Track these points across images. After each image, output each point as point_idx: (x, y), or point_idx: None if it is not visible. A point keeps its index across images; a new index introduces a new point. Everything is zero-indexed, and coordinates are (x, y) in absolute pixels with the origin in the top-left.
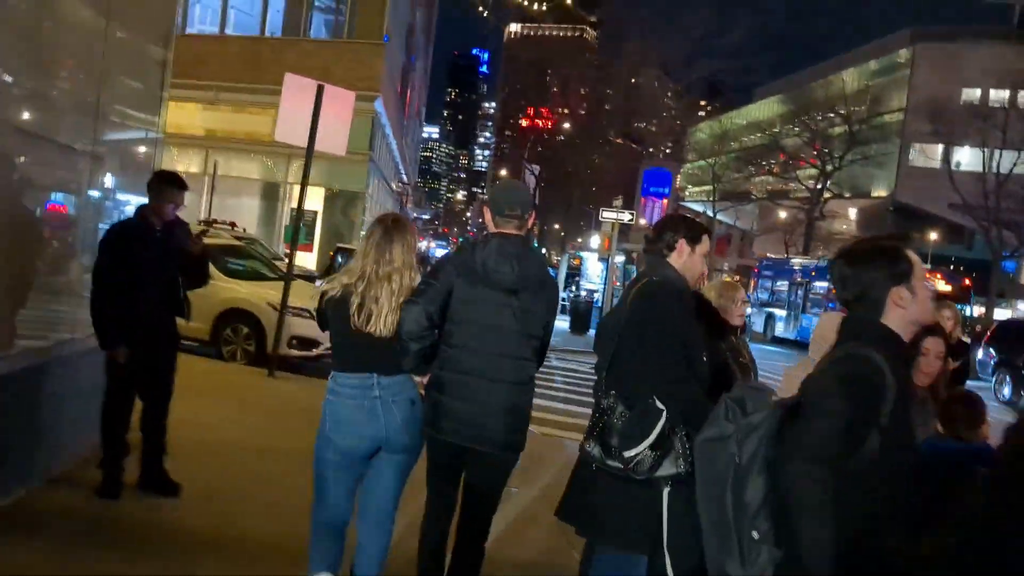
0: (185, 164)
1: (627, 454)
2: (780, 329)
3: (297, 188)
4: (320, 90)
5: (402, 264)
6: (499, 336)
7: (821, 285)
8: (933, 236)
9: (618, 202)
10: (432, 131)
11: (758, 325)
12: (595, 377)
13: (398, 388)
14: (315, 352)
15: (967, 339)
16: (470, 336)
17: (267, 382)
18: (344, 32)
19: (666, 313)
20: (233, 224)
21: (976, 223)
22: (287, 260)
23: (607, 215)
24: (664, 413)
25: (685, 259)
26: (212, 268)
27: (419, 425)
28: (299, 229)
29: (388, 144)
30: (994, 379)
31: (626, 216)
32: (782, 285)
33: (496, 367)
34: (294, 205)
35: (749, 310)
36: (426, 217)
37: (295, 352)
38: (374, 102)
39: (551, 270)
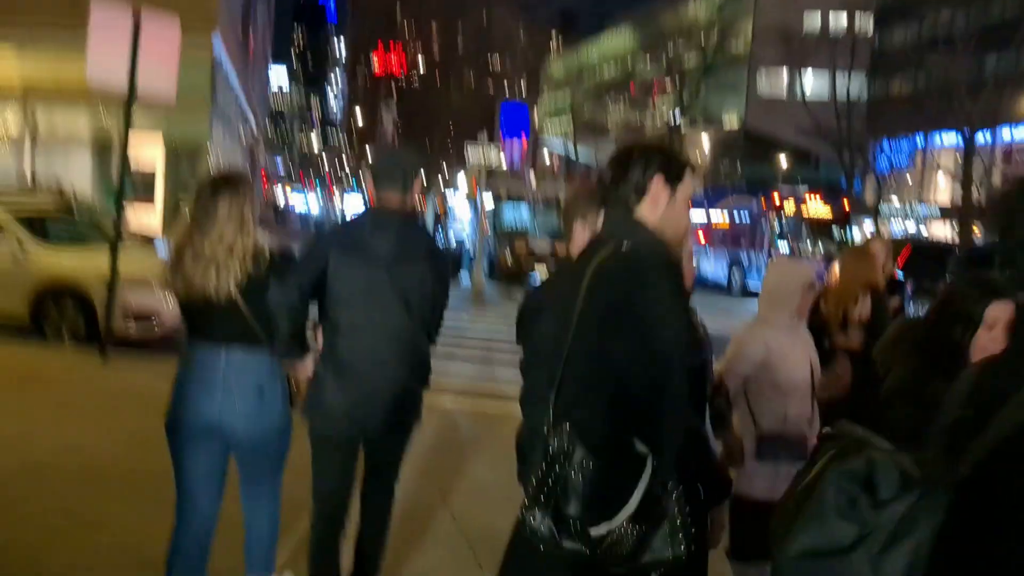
0: (1, 120)
1: (595, 531)
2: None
3: (134, 143)
4: (137, 19)
5: (227, 219)
6: (382, 313)
7: (698, 218)
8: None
9: (483, 135)
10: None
11: None
12: (518, 396)
13: (247, 367)
14: (157, 329)
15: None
16: (350, 315)
17: (98, 368)
18: None
19: (654, 300)
20: (60, 187)
21: (830, 147)
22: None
23: (473, 152)
24: (649, 460)
25: (664, 208)
26: (28, 236)
27: (269, 415)
28: (123, 185)
29: (231, 89)
30: (913, 309)
31: (493, 153)
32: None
33: (381, 346)
34: (132, 165)
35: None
36: (279, 164)
37: (132, 329)
38: (211, 37)
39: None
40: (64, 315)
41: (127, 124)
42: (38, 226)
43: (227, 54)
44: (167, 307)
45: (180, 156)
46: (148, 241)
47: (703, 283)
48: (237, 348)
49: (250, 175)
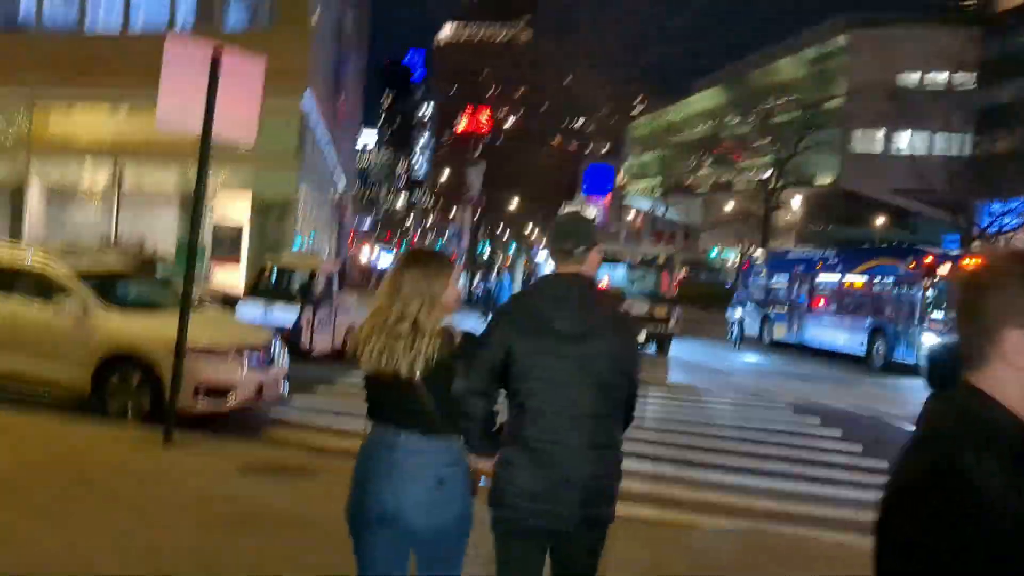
0: (91, 178)
1: None
2: (781, 333)
3: (221, 198)
4: (216, 56)
5: (425, 300)
6: (570, 393)
7: (829, 280)
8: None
9: (580, 198)
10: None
11: (752, 328)
12: None
13: (427, 457)
14: (230, 403)
15: None
16: (537, 397)
17: (159, 455)
18: (265, 21)
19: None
20: (141, 243)
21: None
22: (204, 281)
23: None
24: None
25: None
26: (92, 297)
27: (448, 508)
28: (195, 245)
29: (320, 147)
30: None
31: (590, 211)
32: (780, 281)
33: (571, 430)
34: (219, 217)
35: (739, 313)
36: (367, 225)
37: (202, 405)
38: (301, 96)
39: (507, 277)
40: (128, 387)
41: (202, 172)
42: (108, 287)
43: (317, 112)
44: (242, 378)
45: (268, 213)
46: (228, 303)
47: (821, 350)
48: (416, 433)
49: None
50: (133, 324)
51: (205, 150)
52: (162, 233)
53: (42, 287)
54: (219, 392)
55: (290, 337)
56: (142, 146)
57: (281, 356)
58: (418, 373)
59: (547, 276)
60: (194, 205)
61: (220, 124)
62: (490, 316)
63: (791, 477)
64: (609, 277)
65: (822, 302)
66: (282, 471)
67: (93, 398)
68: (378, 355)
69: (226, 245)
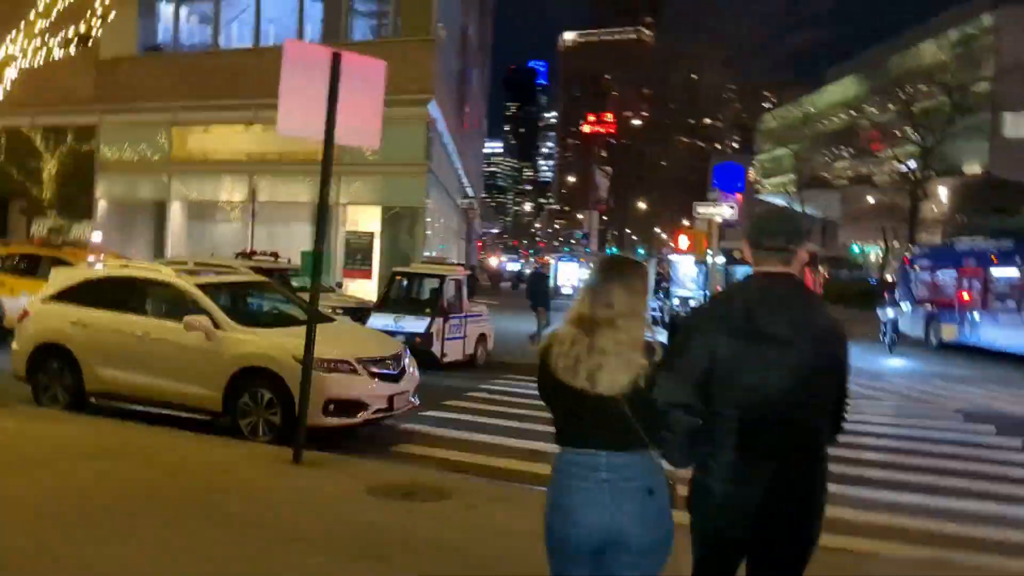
0: (228, 191)
1: None
2: (950, 334)
3: (351, 209)
4: (336, 60)
5: (629, 310)
6: (778, 401)
7: (1008, 275)
8: None
9: (714, 195)
10: (495, 146)
11: (912, 328)
12: None
13: (632, 471)
14: (360, 418)
15: None
16: (743, 405)
17: (287, 477)
18: (389, 31)
19: None
20: (275, 255)
21: None
22: (335, 290)
23: (703, 210)
24: None
25: None
26: (222, 315)
27: (661, 520)
28: (320, 255)
29: (448, 155)
30: None
31: (727, 210)
32: (946, 277)
33: (779, 439)
34: (349, 228)
35: (891, 314)
36: (495, 231)
37: (332, 420)
38: (427, 106)
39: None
40: (259, 404)
41: (325, 177)
42: (238, 301)
43: (443, 121)
44: (372, 392)
45: (398, 222)
46: (359, 312)
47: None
48: (618, 451)
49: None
50: (263, 338)
51: (328, 155)
52: (297, 245)
53: (174, 303)
54: (349, 406)
55: (421, 346)
56: (275, 160)
57: (411, 367)
58: (622, 389)
59: (753, 276)
60: (318, 212)
61: (342, 128)
62: (686, 320)
63: (970, 495)
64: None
65: (1001, 299)
66: (414, 492)
67: (225, 416)
68: (578, 370)
69: (358, 255)
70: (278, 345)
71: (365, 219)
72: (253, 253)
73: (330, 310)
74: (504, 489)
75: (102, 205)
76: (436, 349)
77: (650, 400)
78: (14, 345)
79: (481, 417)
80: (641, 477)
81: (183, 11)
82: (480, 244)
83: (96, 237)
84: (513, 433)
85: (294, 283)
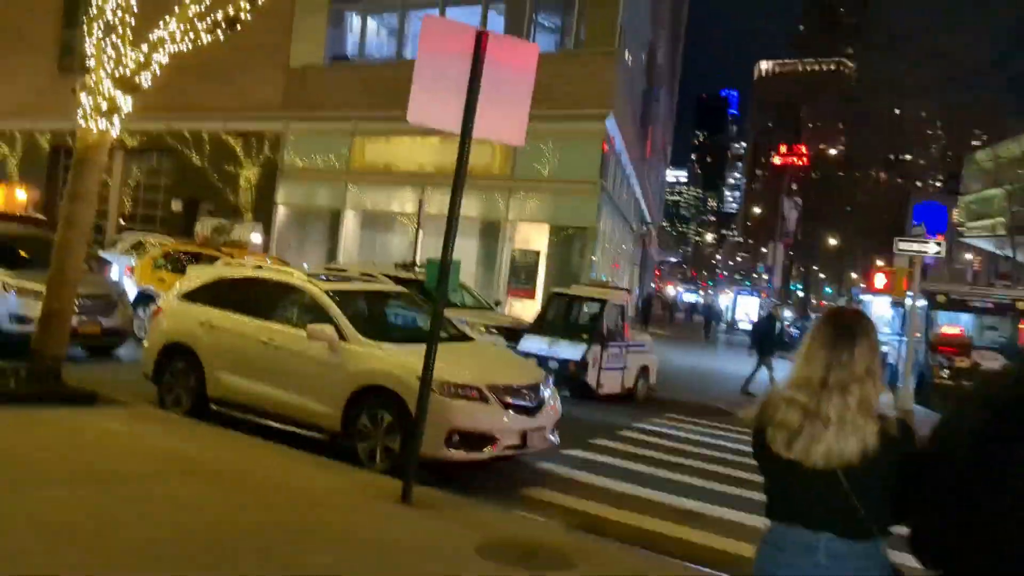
0: (400, 202)
1: None
2: None
3: (520, 225)
4: (480, 41)
5: (864, 372)
6: None
7: None
8: None
9: (919, 230)
10: (680, 174)
11: None
12: None
13: (856, 564)
14: (487, 454)
15: None
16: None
17: (388, 520)
18: (571, 43)
19: None
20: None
21: None
22: (493, 308)
23: (906, 246)
24: None
25: None
26: (349, 326)
27: None
28: (447, 266)
29: (626, 176)
30: None
31: (933, 247)
32: None
33: None
34: (517, 245)
35: None
36: (673, 260)
37: (455, 454)
38: (605, 121)
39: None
40: (377, 426)
41: (459, 182)
42: (372, 311)
43: (623, 140)
44: (504, 424)
45: (566, 241)
46: (511, 333)
47: None
48: (837, 535)
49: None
50: (387, 354)
51: (464, 150)
52: (463, 259)
53: (303, 310)
54: (476, 440)
55: (575, 375)
56: (446, 173)
57: (552, 400)
58: (844, 463)
59: None
60: (448, 215)
61: (483, 120)
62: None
63: None
64: (956, 326)
65: None
66: (534, 554)
67: (344, 437)
68: (796, 439)
69: (523, 274)
70: (401, 363)
71: (534, 237)
72: (413, 264)
73: (482, 329)
74: (643, 560)
75: (281, 211)
76: (591, 379)
77: (882, 478)
78: (145, 342)
79: (631, 462)
80: (859, 572)
81: (371, 23)
82: (657, 272)
83: (255, 239)
84: (666, 486)
85: (454, 299)
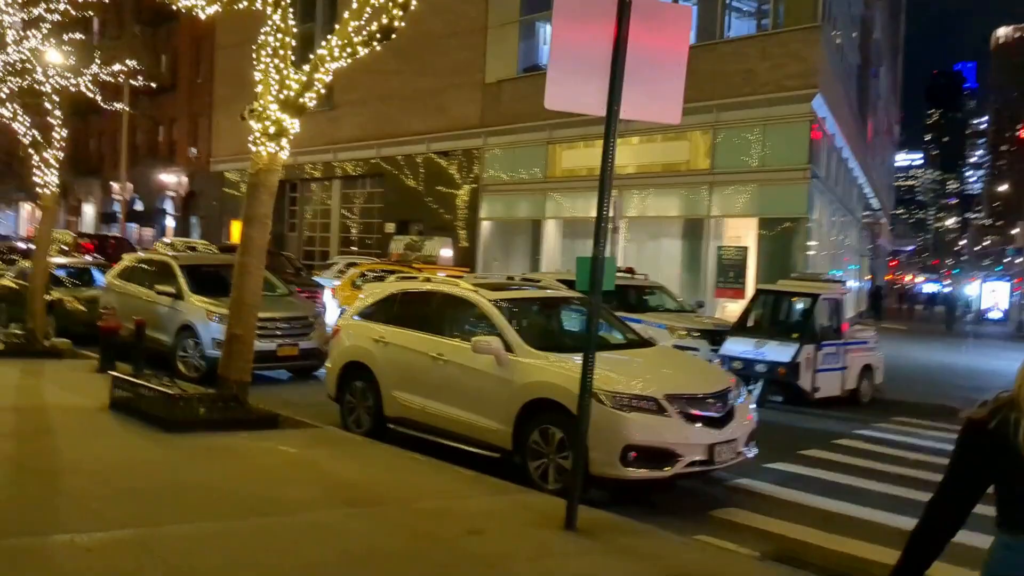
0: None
1: None
2: None
3: (726, 221)
4: (624, 6)
5: None
6: None
7: None
8: None
9: None
10: (913, 157)
11: None
12: None
13: None
14: (667, 472)
15: None
16: None
17: (546, 550)
18: (770, 24)
19: None
20: (630, 270)
21: None
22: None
23: None
24: None
25: None
26: (515, 337)
27: None
28: (600, 263)
29: (843, 161)
30: None
31: None
32: None
33: None
34: (723, 242)
35: None
36: (910, 249)
37: (632, 472)
38: (812, 102)
39: None
40: (549, 443)
41: (606, 158)
42: (544, 320)
43: (835, 122)
44: (687, 438)
45: (776, 235)
46: (717, 335)
47: None
48: None
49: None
50: (555, 365)
51: (610, 130)
52: (665, 261)
53: (471, 321)
54: (655, 456)
55: (785, 378)
56: (644, 173)
57: (746, 409)
58: None
59: None
60: (598, 209)
61: (631, 97)
62: None
63: None
64: None
65: None
66: None
67: (515, 455)
68: None
69: (730, 272)
70: (570, 374)
71: (741, 232)
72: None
73: (682, 333)
74: None
75: (485, 225)
76: (805, 382)
77: None
78: (327, 363)
79: (846, 475)
80: None
81: None
82: (894, 263)
83: (445, 253)
84: (886, 503)
85: (651, 302)
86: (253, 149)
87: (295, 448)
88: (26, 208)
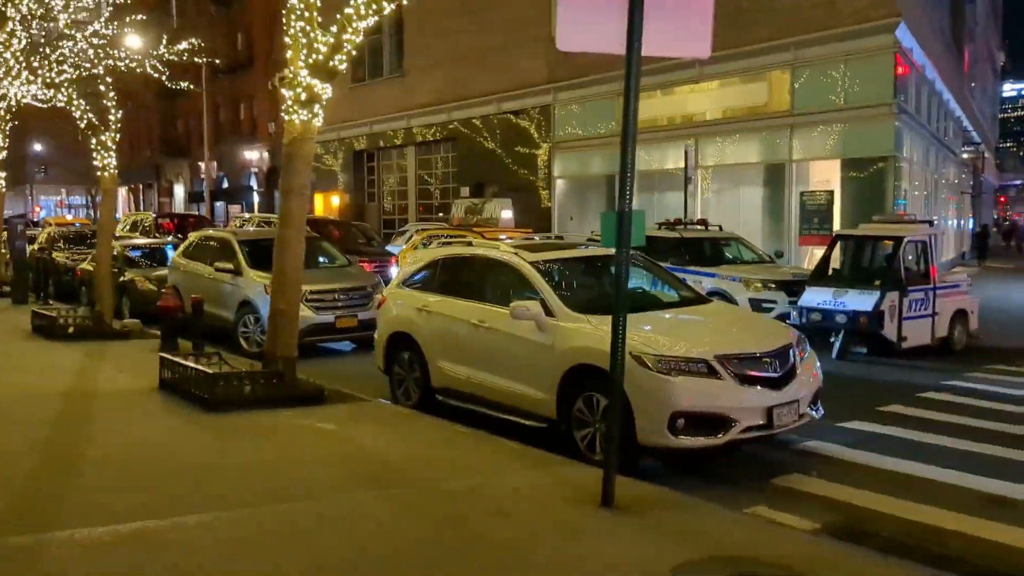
0: (676, 159)
1: None
2: None
3: (808, 165)
4: None
5: None
6: None
7: None
8: None
9: None
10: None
11: None
12: None
13: None
14: (722, 438)
15: None
16: None
17: (579, 529)
18: None
19: None
20: (703, 222)
21: None
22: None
23: None
24: None
25: None
26: (556, 300)
27: None
28: (628, 218)
29: (936, 93)
30: None
31: None
32: None
33: None
34: (805, 187)
35: None
36: (1019, 184)
37: (682, 441)
38: (895, 32)
39: None
40: (594, 411)
41: (629, 101)
42: (591, 280)
43: (923, 53)
44: (741, 401)
45: (861, 176)
46: (797, 285)
47: None
48: None
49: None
50: (601, 328)
51: (632, 70)
52: (745, 211)
53: (512, 286)
54: (706, 422)
55: (868, 328)
56: (720, 119)
57: (810, 366)
58: None
59: None
60: (622, 158)
61: (654, 29)
62: None
63: None
64: None
65: None
66: None
67: (560, 424)
68: None
69: (814, 219)
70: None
71: (825, 175)
72: (678, 222)
73: (758, 285)
74: None
75: (559, 184)
76: (889, 332)
77: None
78: (376, 334)
79: (928, 433)
80: None
81: None
82: (1003, 199)
83: (506, 215)
84: (971, 463)
85: (727, 254)
86: (286, 118)
87: (334, 425)
88: (121, 192)
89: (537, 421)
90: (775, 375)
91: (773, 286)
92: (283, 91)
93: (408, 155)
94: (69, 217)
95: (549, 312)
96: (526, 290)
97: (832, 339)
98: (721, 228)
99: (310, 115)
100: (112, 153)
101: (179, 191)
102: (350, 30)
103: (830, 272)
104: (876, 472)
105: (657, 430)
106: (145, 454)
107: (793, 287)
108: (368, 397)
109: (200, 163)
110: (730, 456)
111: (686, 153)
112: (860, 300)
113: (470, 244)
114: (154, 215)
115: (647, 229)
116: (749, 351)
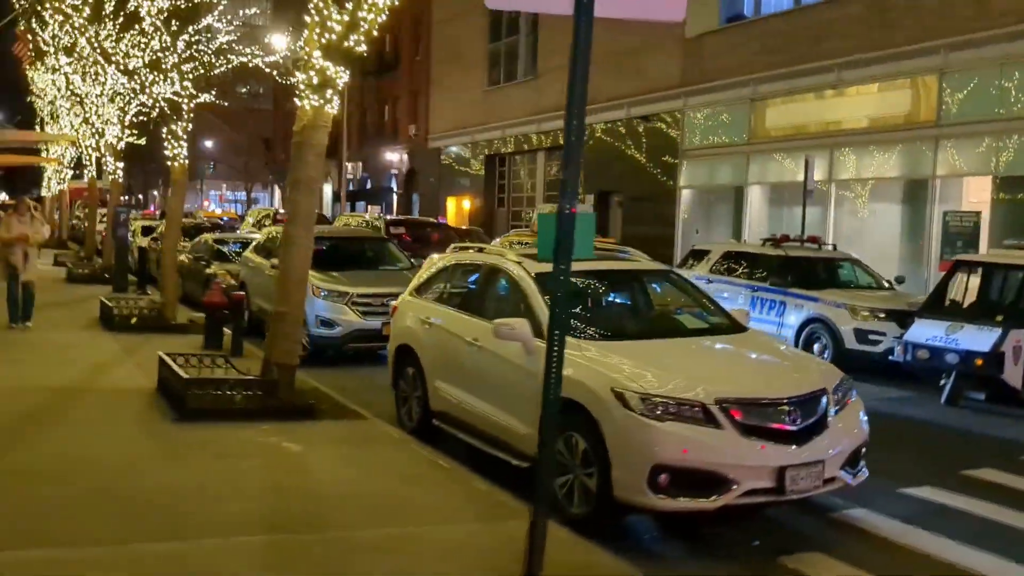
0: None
1: None
2: None
3: (954, 181)
4: None
5: None
6: None
7: None
8: None
9: None
10: None
11: None
12: None
13: None
14: (715, 501)
15: None
16: None
17: None
18: None
19: None
20: (815, 239)
21: None
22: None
23: None
24: None
25: None
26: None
27: None
28: (570, 220)
29: None
30: None
31: None
32: None
33: None
34: (949, 207)
35: None
36: None
37: (663, 502)
38: None
39: None
40: (573, 453)
41: (575, 81)
42: (608, 297)
43: None
44: (744, 455)
45: (1015, 196)
46: (901, 317)
47: None
48: None
49: None
50: (593, 356)
51: (581, 39)
52: (878, 228)
53: (514, 300)
54: (697, 480)
55: (983, 371)
56: (858, 129)
57: (850, 417)
58: None
59: None
60: (565, 152)
61: None
62: None
63: None
64: None
65: None
66: None
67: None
68: None
69: (958, 242)
70: (595, 368)
71: (973, 194)
72: (785, 238)
73: (867, 314)
74: None
75: (685, 193)
76: (1012, 377)
77: None
78: (388, 346)
79: (1018, 510)
80: None
81: None
82: None
83: None
84: None
85: (840, 277)
86: (298, 104)
87: (302, 447)
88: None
89: (519, 460)
90: (792, 428)
91: (883, 315)
92: (297, 75)
93: (538, 160)
94: (218, 212)
95: (540, 333)
96: (525, 305)
97: (942, 382)
98: (835, 247)
99: (322, 100)
100: (183, 143)
101: (327, 190)
102: (366, 6)
103: (947, 303)
104: (925, 561)
105: (635, 485)
106: (64, 469)
107: (906, 318)
108: (369, 415)
109: (347, 163)
110: (746, 518)
111: (806, 164)
112: (977, 338)
113: (480, 250)
114: (381, 215)
115: (748, 245)
116: (761, 395)
